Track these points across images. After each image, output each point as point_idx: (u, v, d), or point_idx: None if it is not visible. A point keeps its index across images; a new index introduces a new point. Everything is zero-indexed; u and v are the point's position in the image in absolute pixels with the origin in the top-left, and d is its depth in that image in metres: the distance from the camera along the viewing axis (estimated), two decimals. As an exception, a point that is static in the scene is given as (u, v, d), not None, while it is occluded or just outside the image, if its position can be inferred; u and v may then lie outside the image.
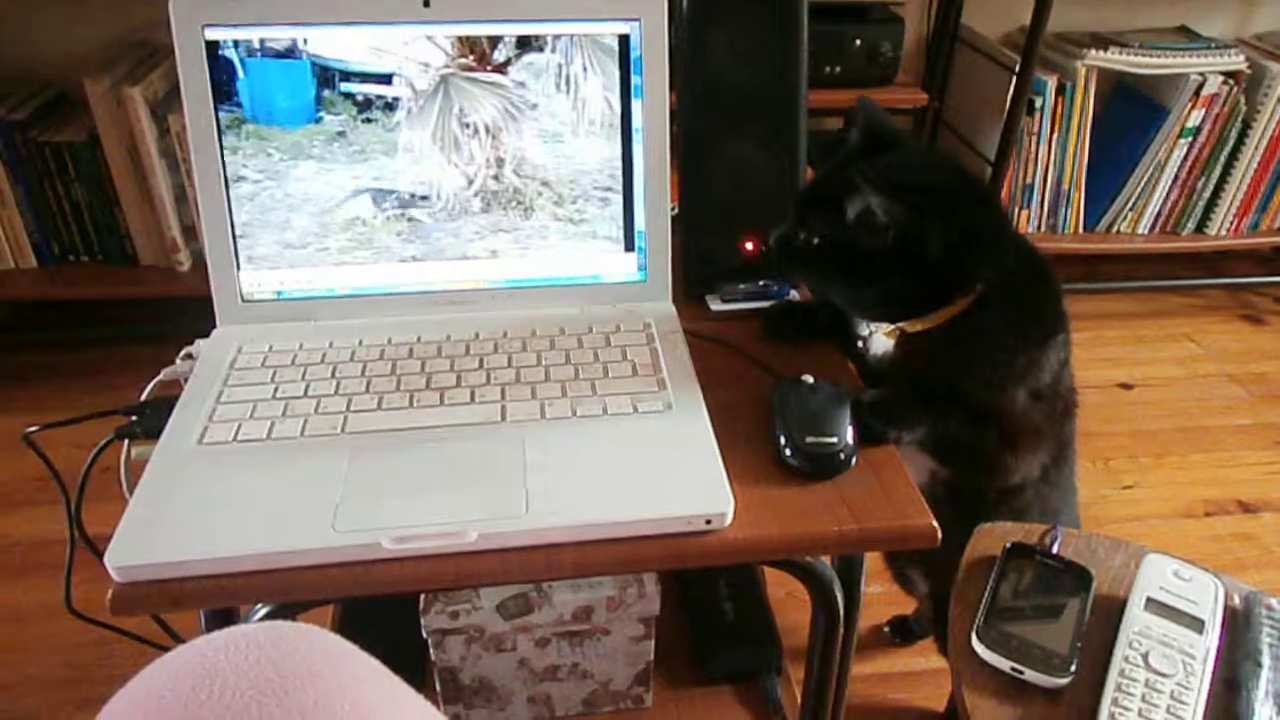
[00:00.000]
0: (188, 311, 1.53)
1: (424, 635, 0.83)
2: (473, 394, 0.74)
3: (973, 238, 0.73)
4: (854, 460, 0.69)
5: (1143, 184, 1.93)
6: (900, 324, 0.79)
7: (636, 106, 0.81)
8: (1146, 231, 2.00)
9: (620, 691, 0.92)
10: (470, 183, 0.81)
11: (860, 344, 0.83)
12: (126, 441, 0.76)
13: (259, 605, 0.66)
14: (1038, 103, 1.83)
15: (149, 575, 0.59)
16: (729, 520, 0.63)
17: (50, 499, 1.46)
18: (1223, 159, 1.92)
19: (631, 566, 0.64)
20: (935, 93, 1.80)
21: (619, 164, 0.82)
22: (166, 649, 0.83)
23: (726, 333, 0.85)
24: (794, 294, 0.90)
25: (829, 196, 0.74)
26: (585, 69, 0.79)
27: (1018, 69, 1.72)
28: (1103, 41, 1.85)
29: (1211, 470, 1.64)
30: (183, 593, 0.60)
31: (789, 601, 1.24)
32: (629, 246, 0.85)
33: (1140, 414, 1.78)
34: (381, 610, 0.96)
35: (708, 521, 0.63)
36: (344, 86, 0.77)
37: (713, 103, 0.87)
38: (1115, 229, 1.99)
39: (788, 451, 0.69)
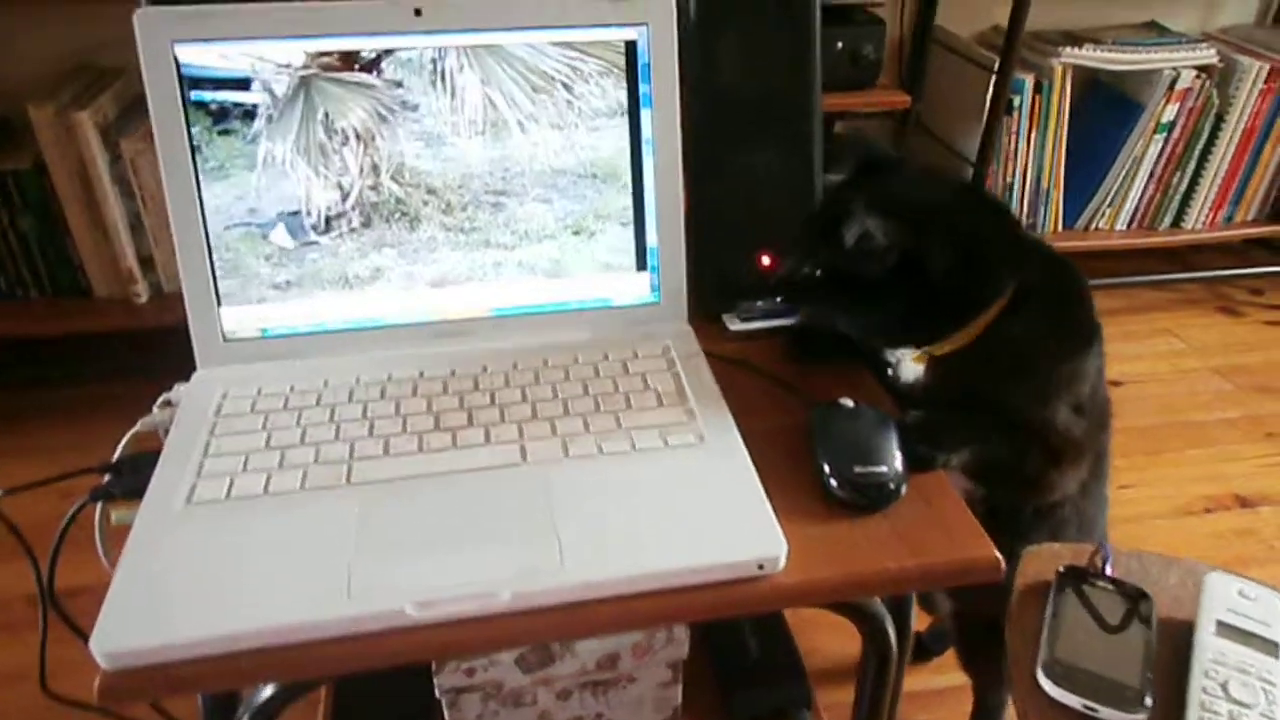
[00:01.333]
0: (150, 346, 1.47)
1: (436, 695, 0.77)
2: (487, 433, 0.68)
3: (980, 250, 0.70)
4: (904, 489, 0.65)
5: (1120, 180, 1.93)
6: (926, 348, 0.74)
7: (645, 117, 0.76)
8: (1124, 227, 2.00)
9: (646, 739, 0.87)
10: (345, 195, 0.73)
11: (890, 371, 0.78)
12: (101, 504, 0.68)
13: (262, 686, 0.60)
14: (1015, 102, 1.81)
15: (142, 660, 0.53)
16: (782, 564, 0.58)
17: (7, 553, 1.37)
18: (1197, 153, 1.93)
19: (678, 618, 0.59)
20: (914, 95, 1.78)
21: (623, 179, 0.77)
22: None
23: (747, 354, 0.80)
24: (814, 310, 0.86)
25: (828, 224, 0.71)
26: (464, 68, 0.72)
27: (997, 68, 1.70)
28: (1076, 39, 1.84)
29: (1207, 466, 1.64)
30: (181, 677, 0.53)
31: (807, 623, 1.19)
32: (640, 265, 0.80)
33: (1131, 411, 1.77)
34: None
35: (760, 566, 0.58)
36: (195, 95, 0.69)
37: (723, 111, 0.82)
38: (1094, 226, 1.98)
39: (834, 483, 0.64)
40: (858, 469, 0.64)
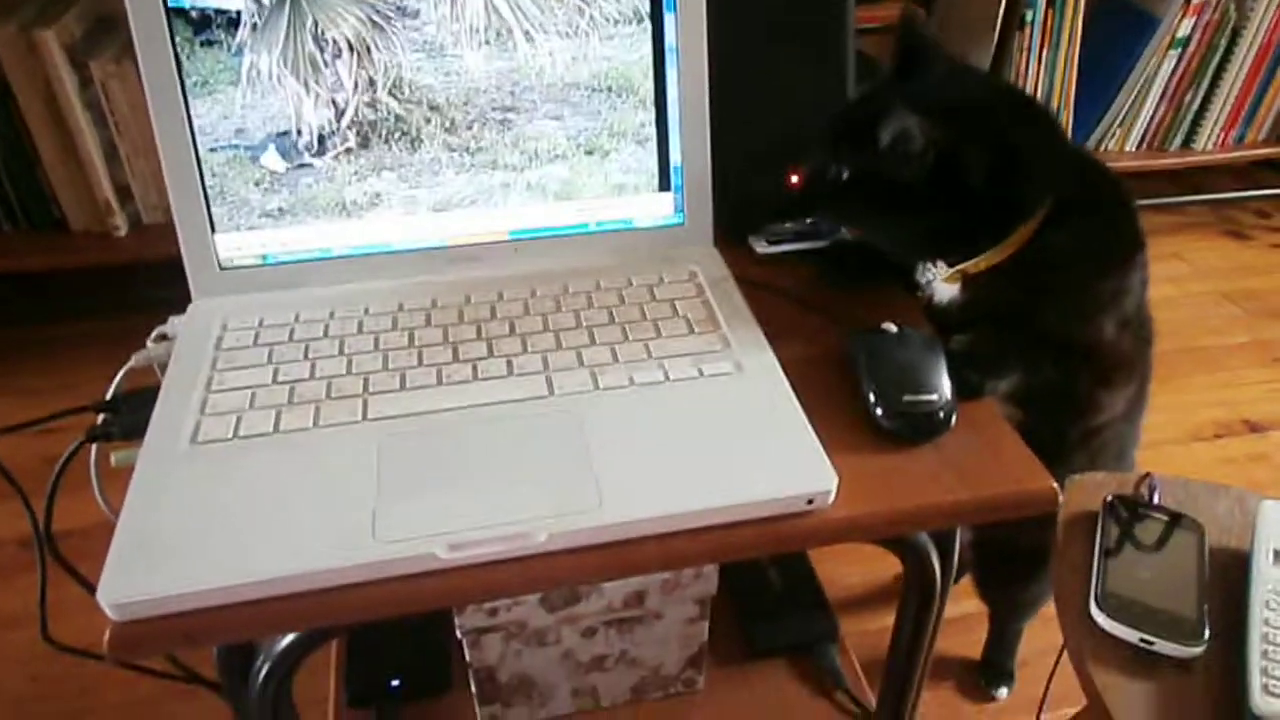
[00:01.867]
0: (132, 281, 1.41)
1: (457, 635, 0.74)
2: (510, 364, 0.63)
3: (1020, 156, 0.65)
4: (954, 418, 0.61)
5: (1131, 99, 1.86)
6: (960, 265, 0.70)
7: (669, 22, 0.70)
8: (1134, 148, 1.95)
9: (671, 676, 0.85)
10: (339, 113, 0.67)
11: (921, 294, 0.74)
12: (96, 445, 0.64)
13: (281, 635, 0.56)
14: (1028, 16, 1.74)
15: (153, 611, 0.49)
16: (833, 499, 0.55)
17: (-4, 496, 1.34)
18: (1211, 70, 1.86)
19: (724, 556, 0.56)
20: (926, 9, 1.70)
21: (639, 93, 0.71)
22: (153, 672, 0.74)
23: (777, 278, 0.76)
24: (845, 231, 0.81)
25: (860, 124, 0.65)
26: None
27: (1011, -19, 1.63)
28: (1091, -50, 1.76)
29: (1216, 391, 1.62)
30: (197, 627, 0.49)
31: (824, 553, 1.18)
32: (664, 185, 0.74)
33: (1138, 337, 1.74)
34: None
35: (809, 502, 0.55)
36: (173, 1, 0.62)
37: (749, 19, 0.76)
38: (1103, 146, 1.93)
39: (879, 412, 0.61)
40: (906, 398, 0.61)
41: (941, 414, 0.60)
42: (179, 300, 0.69)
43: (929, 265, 0.73)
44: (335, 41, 0.65)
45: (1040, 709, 0.79)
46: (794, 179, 0.79)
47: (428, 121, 0.69)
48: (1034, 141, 0.68)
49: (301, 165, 0.68)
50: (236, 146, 0.66)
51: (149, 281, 0.72)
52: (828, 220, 0.78)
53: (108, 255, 1.52)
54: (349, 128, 0.68)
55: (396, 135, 0.69)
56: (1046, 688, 0.76)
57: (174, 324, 0.68)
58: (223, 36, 0.64)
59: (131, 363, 0.67)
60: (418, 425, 0.59)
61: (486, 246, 0.73)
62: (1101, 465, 0.79)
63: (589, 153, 0.72)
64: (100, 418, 0.63)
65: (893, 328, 0.66)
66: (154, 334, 0.68)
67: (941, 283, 0.73)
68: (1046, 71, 1.81)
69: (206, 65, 0.64)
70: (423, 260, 0.72)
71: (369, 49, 0.66)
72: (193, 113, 0.65)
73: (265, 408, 0.60)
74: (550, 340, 0.66)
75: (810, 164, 0.70)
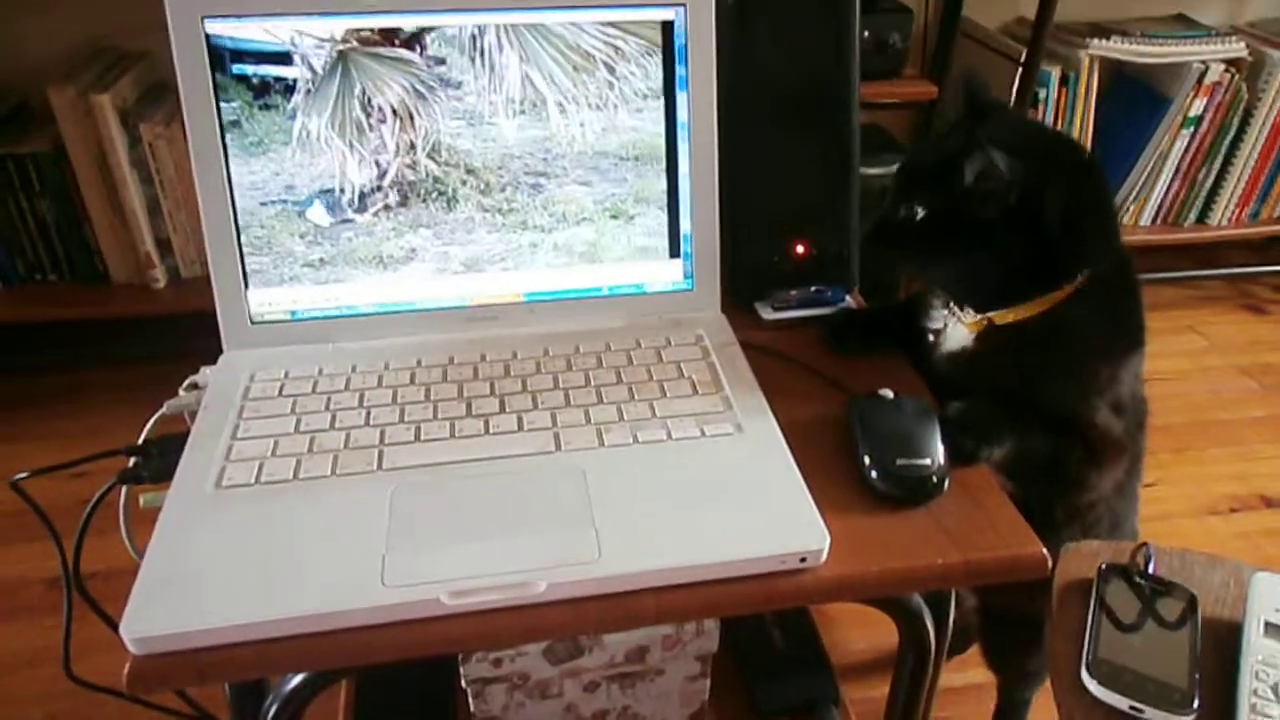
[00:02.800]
0: (167, 333, 1.46)
1: (462, 685, 0.76)
2: (520, 420, 0.66)
3: (1088, 210, 0.68)
4: (947, 483, 0.63)
5: (1145, 175, 1.90)
6: (990, 314, 0.72)
7: (681, 100, 0.75)
8: (1149, 223, 1.97)
9: (672, 734, 0.85)
10: (381, 173, 0.72)
11: (932, 337, 0.76)
12: (126, 487, 0.67)
13: (290, 675, 0.58)
14: (1042, 94, 1.79)
15: (171, 646, 0.52)
16: (825, 557, 0.57)
17: (27, 535, 1.37)
18: (1224, 148, 1.90)
19: (719, 611, 0.58)
20: (939, 85, 1.75)
21: (663, 163, 0.76)
22: (167, 709, 0.76)
23: (781, 343, 0.78)
24: (849, 300, 0.84)
25: (938, 165, 0.68)
26: (507, 45, 0.70)
27: (1024, 60, 1.68)
28: (1103, 30, 1.81)
29: (1232, 465, 1.61)
30: (212, 664, 0.52)
31: (829, 620, 1.18)
32: (674, 252, 0.78)
33: (1154, 409, 1.73)
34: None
35: (802, 559, 0.57)
36: (237, 68, 0.68)
37: (758, 96, 0.80)
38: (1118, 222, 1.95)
39: (874, 475, 0.63)
40: (900, 461, 0.63)
41: (934, 478, 0.62)
42: (210, 351, 0.73)
43: (954, 311, 0.76)
44: (381, 107, 0.70)
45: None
46: (799, 249, 0.83)
47: (464, 183, 0.73)
48: (1100, 197, 0.71)
49: (344, 220, 0.72)
50: (285, 201, 0.71)
51: (183, 333, 0.76)
52: (891, 261, 0.79)
53: (146, 306, 1.58)
54: (390, 187, 0.72)
55: (434, 195, 0.73)
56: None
57: (205, 374, 0.72)
58: (279, 101, 0.69)
59: (164, 410, 0.70)
60: (430, 476, 0.62)
61: (503, 307, 0.77)
62: (1096, 538, 0.81)
63: (614, 217, 0.76)
64: (131, 461, 0.66)
65: (889, 394, 0.68)
66: (186, 383, 0.72)
67: (960, 329, 0.74)
68: (1060, 147, 1.85)
69: (262, 126, 0.69)
70: (442, 319, 0.76)
71: (412, 115, 0.71)
72: (246, 170, 0.70)
73: (287, 455, 0.63)
74: (560, 398, 0.69)
75: (885, 203, 0.73)
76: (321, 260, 0.73)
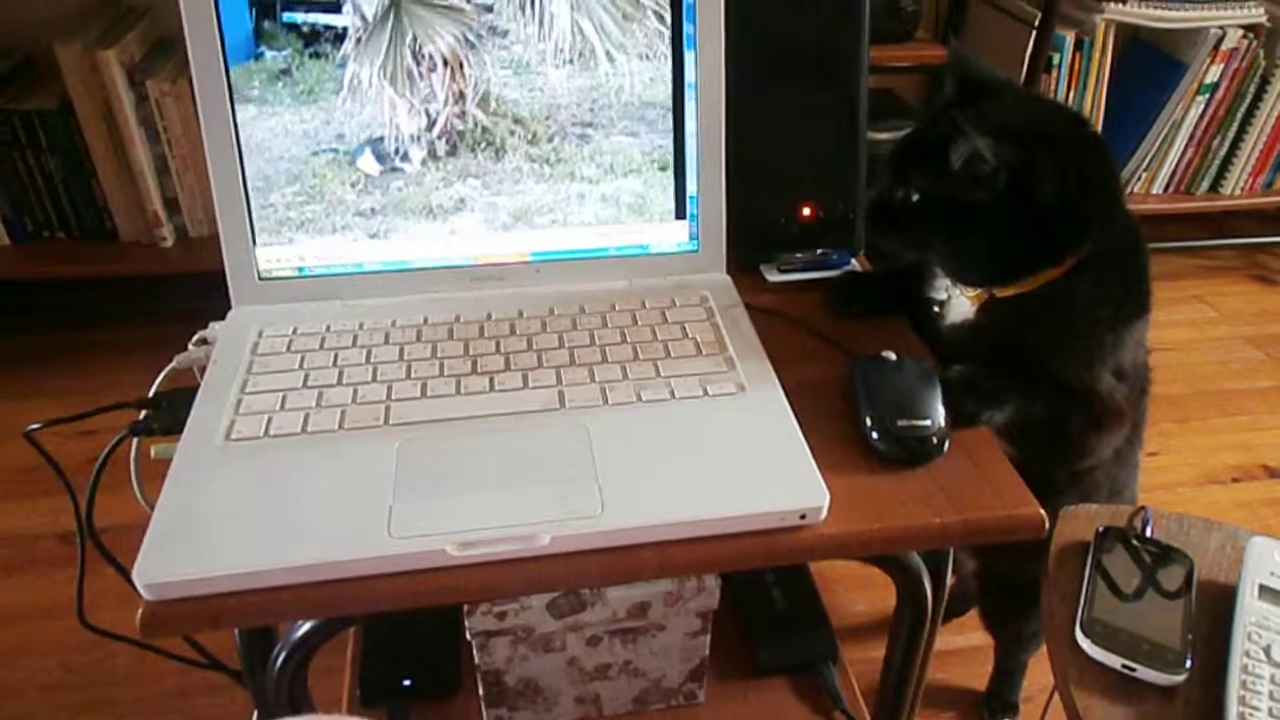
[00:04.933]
0: (174, 291, 1.47)
1: (466, 637, 0.77)
2: (525, 378, 0.67)
3: (1087, 186, 0.67)
4: (948, 444, 0.64)
5: (1159, 143, 1.88)
6: (992, 288, 0.72)
7: (689, 59, 0.74)
8: (1161, 191, 1.96)
9: (673, 688, 0.87)
10: (431, 123, 0.72)
11: (936, 308, 0.77)
12: (138, 439, 0.68)
13: (299, 622, 0.60)
14: (1055, 59, 1.77)
15: (183, 592, 0.53)
16: (825, 514, 0.58)
17: (39, 490, 1.39)
18: (1239, 116, 1.87)
19: (719, 566, 0.58)
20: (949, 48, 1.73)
21: (670, 122, 0.75)
22: (178, 657, 0.78)
23: (786, 305, 0.79)
24: (855, 263, 0.84)
25: (928, 148, 0.67)
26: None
27: (1038, 24, 1.66)
28: (1119, -5, 1.78)
29: (1235, 435, 1.62)
30: (222, 610, 0.53)
31: (828, 582, 1.20)
32: (680, 214, 0.78)
33: (1160, 378, 1.71)
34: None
35: (802, 516, 0.57)
36: (287, 16, 0.68)
37: (767, 57, 0.80)
38: (1130, 190, 1.94)
39: (875, 436, 0.63)
40: (901, 422, 0.63)
41: (935, 439, 0.63)
42: (217, 312, 0.74)
43: (956, 285, 0.76)
44: (431, 56, 0.70)
45: (1035, 739, 0.80)
46: (805, 211, 0.83)
47: (512, 134, 0.73)
48: (1098, 173, 0.70)
49: (394, 169, 0.73)
50: (336, 150, 0.71)
51: (191, 292, 0.76)
52: (892, 244, 0.78)
53: (154, 265, 1.59)
54: (439, 137, 0.72)
55: (483, 145, 0.73)
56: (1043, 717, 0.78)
57: (214, 329, 0.72)
58: (329, 49, 0.69)
59: (174, 364, 0.71)
60: (435, 431, 0.63)
61: (510, 267, 0.77)
62: (1094, 502, 0.81)
63: (661, 168, 0.76)
64: (142, 413, 0.67)
65: (892, 356, 0.68)
66: (195, 338, 0.72)
67: (963, 300, 0.75)
68: (1073, 113, 1.83)
69: (313, 74, 0.69)
70: (449, 278, 0.76)
71: (461, 64, 0.71)
72: (297, 119, 0.70)
73: (295, 410, 0.64)
74: (564, 357, 0.69)
75: (874, 191, 0.73)
76: (372, 209, 0.73)
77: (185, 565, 0.53)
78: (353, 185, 0.72)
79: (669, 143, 0.75)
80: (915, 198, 0.70)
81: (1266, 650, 0.61)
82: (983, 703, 1.15)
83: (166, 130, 1.52)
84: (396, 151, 0.72)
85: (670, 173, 0.76)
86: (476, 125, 0.72)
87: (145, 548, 0.53)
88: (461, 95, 0.71)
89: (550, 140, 0.73)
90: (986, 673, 1.17)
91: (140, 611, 0.52)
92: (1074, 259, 0.69)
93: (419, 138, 0.72)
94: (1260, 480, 1.52)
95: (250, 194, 0.71)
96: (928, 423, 0.63)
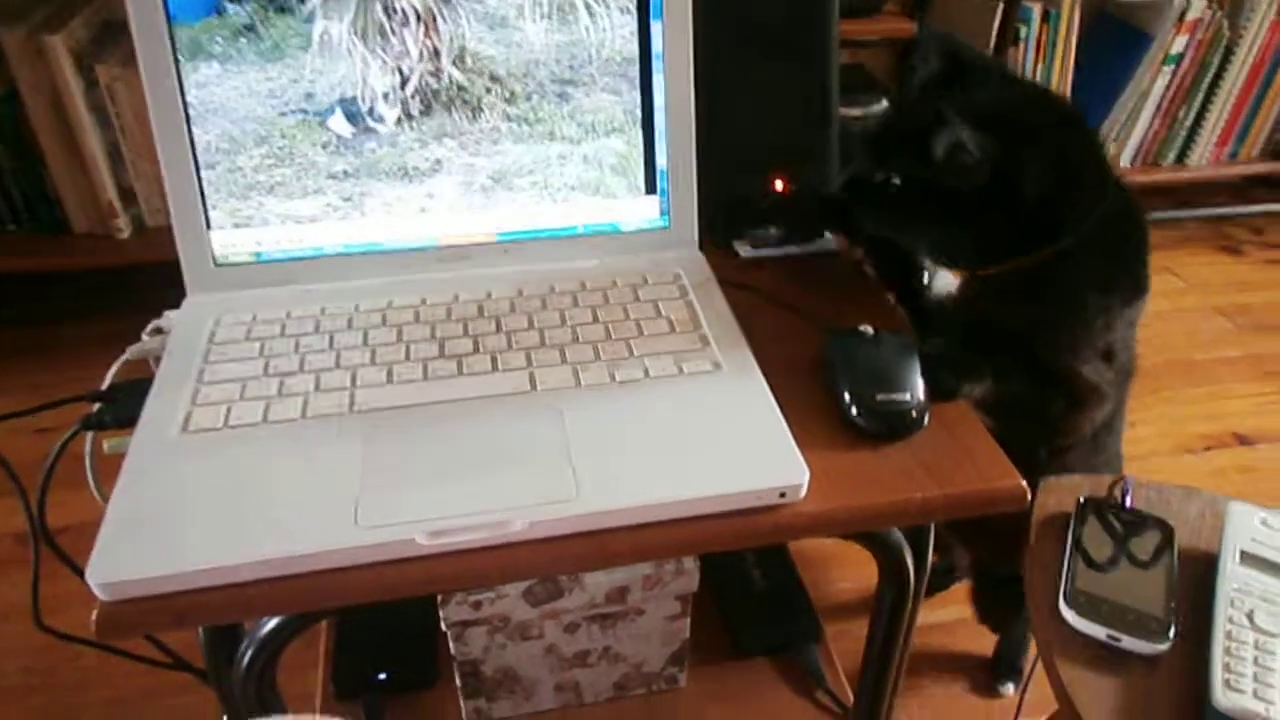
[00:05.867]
0: (133, 283, 1.43)
1: (442, 628, 0.75)
2: (495, 361, 0.65)
3: (1072, 176, 0.65)
4: (927, 418, 0.63)
5: (1126, 115, 1.89)
6: (973, 270, 0.71)
7: (656, 29, 0.72)
8: (1128, 164, 1.96)
9: (653, 673, 0.86)
10: (404, 81, 0.69)
11: (925, 279, 0.75)
12: (91, 433, 0.66)
13: (266, 619, 0.58)
14: (1023, 32, 1.76)
15: (141, 591, 0.50)
16: (804, 492, 0.56)
17: (-6, 490, 1.35)
18: (1204, 87, 1.89)
19: (698, 548, 0.57)
20: (920, 23, 1.72)
21: (637, 95, 0.73)
22: (140, 658, 0.75)
23: (759, 281, 0.77)
24: (830, 238, 0.83)
25: (912, 131, 0.65)
26: None
27: (1005, -4, 1.65)
28: (1086, -34, 1.78)
29: (1206, 404, 1.63)
30: (183, 608, 0.51)
31: (808, 560, 1.19)
32: (650, 189, 0.76)
33: (1131, 350, 1.76)
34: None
35: (781, 495, 0.56)
36: None
37: (736, 29, 0.78)
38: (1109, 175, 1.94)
39: (854, 411, 0.62)
40: (880, 396, 0.62)
41: (914, 413, 0.62)
42: (178, 302, 0.71)
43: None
44: (403, 10, 0.67)
45: (1018, 712, 0.80)
46: (778, 185, 0.81)
47: (488, 91, 0.70)
48: (1085, 161, 0.68)
49: (367, 130, 0.70)
50: (305, 111, 0.68)
51: (149, 284, 0.73)
52: (866, 224, 0.76)
53: (110, 257, 1.54)
54: (413, 95, 0.69)
55: (458, 104, 0.70)
56: (1023, 691, 0.77)
57: (169, 318, 0.70)
58: (295, 4, 0.66)
59: (127, 355, 0.68)
60: (403, 418, 0.61)
61: (476, 247, 0.75)
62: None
63: (646, 130, 0.73)
64: (95, 406, 0.65)
65: (869, 329, 0.67)
66: (150, 327, 0.69)
67: (945, 274, 0.73)
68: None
69: (279, 30, 0.66)
70: (413, 260, 0.74)
71: (435, 19, 0.68)
72: (262, 76, 0.66)
73: (255, 399, 0.62)
74: (535, 338, 0.67)
75: (852, 169, 0.71)
76: (345, 172, 0.70)
77: (142, 563, 0.50)
78: (324, 147, 0.69)
79: (640, 112, 0.73)
80: (896, 181, 0.68)
81: (1250, 616, 0.61)
82: (990, 666, 1.15)
83: (119, 117, 1.48)
84: (369, 111, 0.69)
85: (641, 145, 0.74)
86: (452, 83, 0.69)
87: (99, 546, 0.51)
88: (436, 52, 0.68)
89: (529, 99, 0.71)
90: (968, 646, 1.18)
91: (96, 613, 0.50)
92: (1065, 244, 0.67)
93: (392, 96, 0.69)
94: (1231, 448, 1.54)
95: (202, 168, 0.68)
96: (907, 396, 0.62)
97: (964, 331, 0.70)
